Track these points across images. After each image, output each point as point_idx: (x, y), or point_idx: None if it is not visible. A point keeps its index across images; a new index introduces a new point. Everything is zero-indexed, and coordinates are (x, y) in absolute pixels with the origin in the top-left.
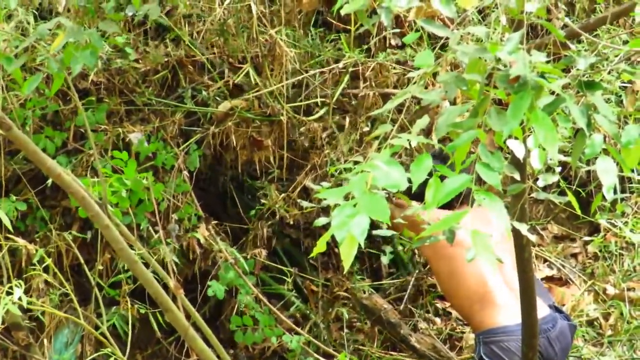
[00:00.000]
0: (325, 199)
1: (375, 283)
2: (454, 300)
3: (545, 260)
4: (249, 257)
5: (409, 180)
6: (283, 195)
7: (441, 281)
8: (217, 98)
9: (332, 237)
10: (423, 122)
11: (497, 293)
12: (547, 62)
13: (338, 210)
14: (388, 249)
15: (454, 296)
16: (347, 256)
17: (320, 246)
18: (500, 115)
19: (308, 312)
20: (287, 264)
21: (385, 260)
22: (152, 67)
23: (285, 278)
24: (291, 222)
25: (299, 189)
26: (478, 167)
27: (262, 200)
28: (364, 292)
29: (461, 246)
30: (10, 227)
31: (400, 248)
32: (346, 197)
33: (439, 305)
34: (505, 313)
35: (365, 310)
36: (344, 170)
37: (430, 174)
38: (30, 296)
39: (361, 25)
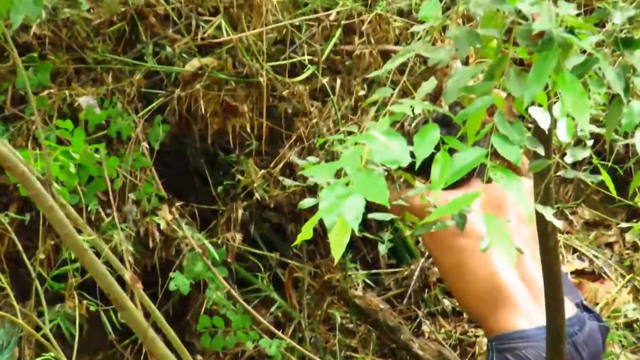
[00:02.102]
0: (312, 177)
1: (371, 275)
2: (462, 298)
3: (575, 251)
4: (220, 244)
5: (412, 155)
6: (262, 171)
7: (447, 276)
8: (184, 55)
9: (320, 222)
10: (429, 85)
11: (512, 291)
12: (577, 15)
13: (327, 190)
14: (387, 235)
15: (462, 294)
16: (338, 245)
17: (306, 233)
18: (520, 78)
19: (291, 311)
20: (267, 252)
21: (383, 249)
22: (106, 19)
23: (263, 270)
24: (272, 204)
25: (281, 164)
26: (494, 140)
27: (237, 178)
28: (357, 287)
29: (471, 235)
30: None
31: (402, 234)
32: (337, 175)
33: (448, 302)
34: (523, 315)
35: (358, 312)
36: (334, 143)
37: (437, 148)
38: None
39: None
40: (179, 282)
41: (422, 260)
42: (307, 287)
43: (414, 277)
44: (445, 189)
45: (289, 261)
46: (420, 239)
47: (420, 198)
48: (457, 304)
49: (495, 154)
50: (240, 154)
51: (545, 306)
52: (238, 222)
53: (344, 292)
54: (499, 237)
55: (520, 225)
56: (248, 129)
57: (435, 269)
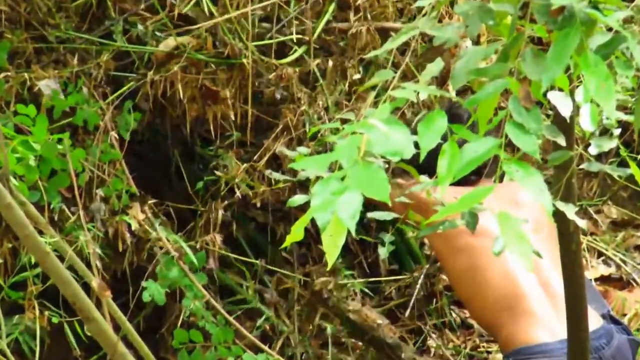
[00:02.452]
0: (302, 170)
1: (370, 283)
2: (474, 307)
3: (600, 254)
4: (199, 248)
5: (416, 146)
6: (246, 165)
7: (456, 282)
8: (158, 34)
9: (312, 221)
10: (435, 67)
11: (531, 298)
12: None
13: (320, 185)
14: (388, 237)
15: (475, 301)
16: (332, 247)
17: (296, 234)
18: (538, 59)
19: (279, 323)
20: (252, 258)
21: (383, 253)
22: None
23: (248, 277)
24: (257, 202)
25: (267, 156)
26: (509, 129)
27: (218, 172)
28: (353, 297)
29: (483, 235)
30: None
31: (405, 235)
32: (331, 168)
33: (457, 313)
34: (544, 325)
35: (353, 327)
36: (328, 132)
37: (444, 138)
38: None
39: None
40: (153, 290)
41: (428, 265)
42: (297, 296)
43: (418, 285)
44: (456, 184)
45: (277, 270)
46: (426, 240)
47: (425, 194)
48: (467, 315)
49: (509, 146)
50: (221, 145)
51: (567, 316)
52: (219, 223)
53: (337, 304)
54: (514, 238)
55: (540, 225)
56: (230, 117)
57: (443, 276)
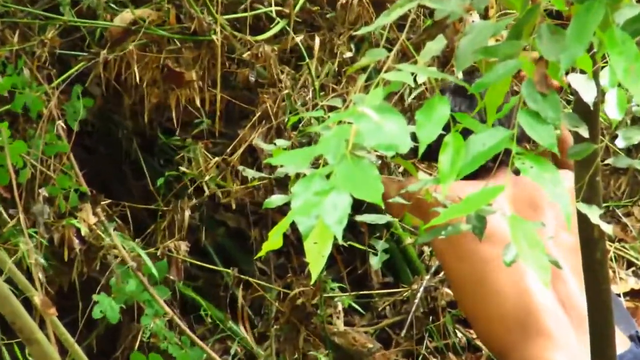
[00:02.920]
0: (281, 166)
1: (360, 297)
2: (480, 325)
3: (630, 265)
4: (160, 256)
5: (414, 138)
6: (216, 159)
7: (461, 295)
8: (112, 6)
9: (293, 226)
10: (436, 45)
11: (548, 316)
12: None
13: (302, 184)
14: (381, 244)
15: (483, 318)
16: (316, 257)
17: (273, 241)
18: (556, 37)
19: (253, 346)
20: (222, 268)
21: (376, 263)
22: None
23: (218, 291)
24: (229, 203)
25: (241, 149)
26: (522, 117)
27: (183, 168)
28: (337, 315)
29: (497, 240)
30: None
31: (401, 242)
32: (315, 164)
33: (462, 333)
34: (561, 348)
35: (338, 353)
36: (311, 121)
37: (446, 128)
38: None
39: None
40: (106, 306)
41: (428, 277)
42: (275, 313)
43: (417, 300)
44: (464, 178)
45: (251, 282)
46: (426, 247)
47: (425, 194)
48: (474, 335)
49: (522, 137)
50: (186, 136)
51: (590, 338)
52: (184, 227)
53: (321, 325)
54: (528, 245)
55: (561, 230)
56: (197, 103)
57: (446, 290)
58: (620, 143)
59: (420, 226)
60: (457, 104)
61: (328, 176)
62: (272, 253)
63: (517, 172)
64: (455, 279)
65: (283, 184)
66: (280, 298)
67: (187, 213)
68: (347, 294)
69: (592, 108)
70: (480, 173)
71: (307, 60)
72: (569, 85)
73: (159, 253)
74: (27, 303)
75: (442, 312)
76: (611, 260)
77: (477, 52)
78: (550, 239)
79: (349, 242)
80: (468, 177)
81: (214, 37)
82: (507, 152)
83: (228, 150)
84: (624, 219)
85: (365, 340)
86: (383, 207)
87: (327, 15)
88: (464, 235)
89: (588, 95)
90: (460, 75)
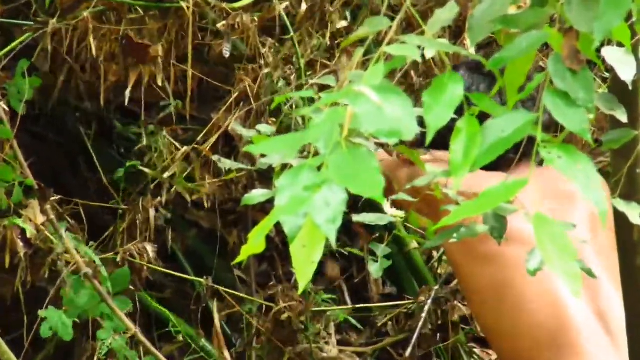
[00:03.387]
0: (263, 156)
1: (357, 312)
2: (501, 343)
3: None
4: (120, 262)
5: (421, 123)
6: (186, 148)
7: (479, 307)
8: None
9: (278, 227)
10: (447, 14)
11: (583, 332)
12: None
13: (288, 177)
14: (382, 249)
15: (506, 335)
16: (305, 263)
17: (254, 244)
18: (588, 3)
19: None
20: (194, 276)
21: (376, 270)
22: None
23: (189, 302)
24: (202, 200)
25: (215, 136)
26: (548, 99)
27: (147, 159)
28: (329, 334)
29: (523, 242)
30: None
31: (406, 246)
32: (303, 153)
33: (479, 355)
34: None
35: None
36: (299, 103)
37: (459, 111)
38: None
39: None
40: (57, 322)
41: (437, 287)
42: (256, 331)
43: (424, 314)
44: (483, 168)
45: (228, 293)
46: (439, 252)
47: (434, 190)
48: (492, 356)
49: (549, 123)
50: (151, 121)
51: (629, 358)
52: (149, 228)
53: (310, 344)
54: (556, 250)
55: (598, 231)
56: (163, 82)
57: (458, 304)
58: None
59: (429, 227)
60: (472, 82)
61: (319, 168)
62: (253, 259)
63: (541, 163)
64: (472, 288)
65: (266, 177)
66: (262, 312)
67: (152, 212)
68: (341, 307)
69: (630, 87)
70: (499, 165)
71: (293, 32)
72: (604, 61)
73: (119, 259)
74: None
75: (454, 328)
76: None
77: (494, 22)
78: (585, 242)
79: (347, 248)
80: (485, 170)
81: (183, 4)
82: (531, 140)
83: (200, 137)
84: None
85: None
86: (384, 205)
87: None
88: (485, 235)
89: (626, 72)
90: (474, 49)
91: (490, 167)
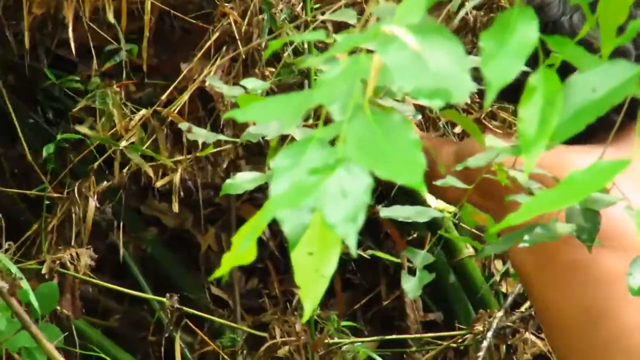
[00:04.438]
0: (253, 124)
1: (386, 344)
2: None
3: None
4: (47, 275)
5: (477, 78)
6: (143, 112)
7: (562, 340)
8: None
9: (273, 225)
10: None
11: None
12: None
13: (289, 156)
14: (421, 257)
15: None
16: (312, 278)
17: (241, 252)
18: None
19: None
20: (151, 294)
21: (412, 288)
22: None
23: (144, 331)
24: (165, 187)
25: (185, 96)
26: None
27: (84, 128)
28: None
29: (618, 249)
30: None
31: (456, 253)
32: (309, 120)
33: None
34: None
35: None
36: (304, 50)
37: (532, 61)
38: None
39: None
40: None
41: (501, 313)
42: None
43: (482, 352)
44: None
45: (203, 318)
46: (506, 262)
47: (497, 172)
48: None
49: None
50: (92, 73)
51: None
52: (86, 227)
53: None
54: None
55: None
56: (110, 17)
57: (531, 335)
58: None
59: (489, 226)
60: (563, 10)
61: (332, 142)
62: (238, 272)
63: None
64: (551, 314)
65: (256, 154)
66: (249, 346)
67: (93, 203)
68: (363, 339)
69: None
70: (588, 137)
71: None
72: None
73: (44, 270)
74: None
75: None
76: None
77: None
78: None
79: (370, 251)
80: (569, 144)
81: None
82: (634, 103)
83: (164, 96)
84: None
85: None
86: (425, 195)
87: None
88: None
89: None
90: None
91: (577, 139)
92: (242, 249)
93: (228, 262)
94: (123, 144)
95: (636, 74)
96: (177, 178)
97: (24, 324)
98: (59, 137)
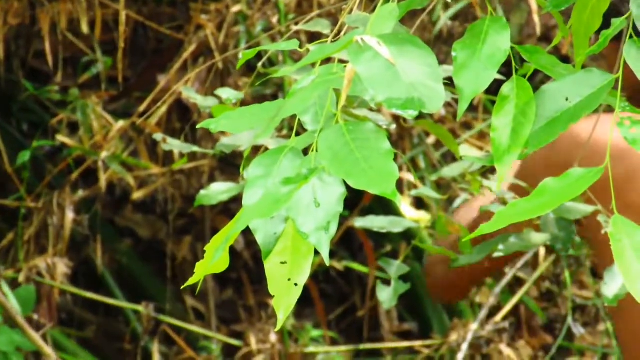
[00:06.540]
0: (227, 135)
1: (362, 354)
2: None
3: None
4: (29, 283)
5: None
6: (121, 123)
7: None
8: None
9: (247, 235)
10: None
11: None
12: None
13: (262, 165)
14: (396, 267)
15: None
16: (285, 288)
17: (214, 262)
18: None
19: None
20: (127, 303)
21: (387, 298)
22: None
23: (124, 340)
24: (140, 198)
25: (161, 105)
26: (629, 53)
27: (62, 137)
28: None
29: None
30: None
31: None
32: (282, 131)
33: None
34: None
35: None
36: (277, 60)
37: (505, 69)
38: None
39: None
40: None
41: (476, 323)
42: None
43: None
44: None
45: (179, 328)
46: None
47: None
48: None
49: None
50: (69, 84)
51: None
52: (63, 237)
53: None
54: (636, 259)
55: None
56: (84, 29)
57: (505, 347)
58: None
59: (461, 236)
60: None
61: (306, 151)
62: (212, 281)
63: None
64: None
65: (230, 164)
66: (225, 355)
67: (70, 214)
68: (338, 347)
69: None
70: None
71: None
72: None
73: (21, 278)
74: None
75: None
76: None
77: None
78: None
79: (343, 262)
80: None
81: None
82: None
83: (142, 107)
84: None
85: None
86: (399, 204)
87: None
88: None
89: None
90: None
91: None
92: (215, 258)
93: (202, 271)
94: (104, 154)
95: (609, 82)
96: (158, 189)
97: (9, 315)
98: (35, 144)
